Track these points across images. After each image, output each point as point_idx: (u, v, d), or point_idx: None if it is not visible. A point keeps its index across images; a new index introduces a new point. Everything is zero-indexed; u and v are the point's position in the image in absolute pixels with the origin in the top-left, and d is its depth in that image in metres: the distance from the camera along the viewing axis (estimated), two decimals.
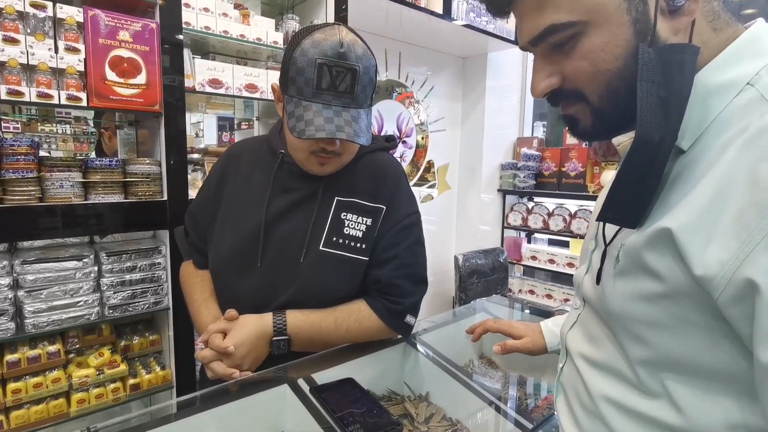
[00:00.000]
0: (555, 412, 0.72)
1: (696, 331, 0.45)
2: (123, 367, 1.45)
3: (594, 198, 2.79)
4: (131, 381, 1.47)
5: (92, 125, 2.42)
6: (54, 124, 2.65)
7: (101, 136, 2.33)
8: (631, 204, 0.48)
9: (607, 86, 0.48)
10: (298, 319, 0.92)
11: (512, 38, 2.79)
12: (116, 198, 1.40)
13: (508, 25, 2.81)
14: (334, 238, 0.94)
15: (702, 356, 0.45)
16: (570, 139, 3.04)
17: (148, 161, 1.47)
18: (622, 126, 0.53)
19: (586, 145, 2.93)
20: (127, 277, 1.45)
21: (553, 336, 0.96)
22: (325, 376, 0.89)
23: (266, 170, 0.99)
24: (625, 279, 0.51)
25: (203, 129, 3.04)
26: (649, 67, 0.44)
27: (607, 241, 0.55)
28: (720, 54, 0.47)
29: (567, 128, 0.57)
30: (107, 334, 1.51)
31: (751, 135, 0.41)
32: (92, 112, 2.02)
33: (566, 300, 2.90)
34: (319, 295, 0.94)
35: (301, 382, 0.86)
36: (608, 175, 2.71)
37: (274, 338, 0.91)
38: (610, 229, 0.56)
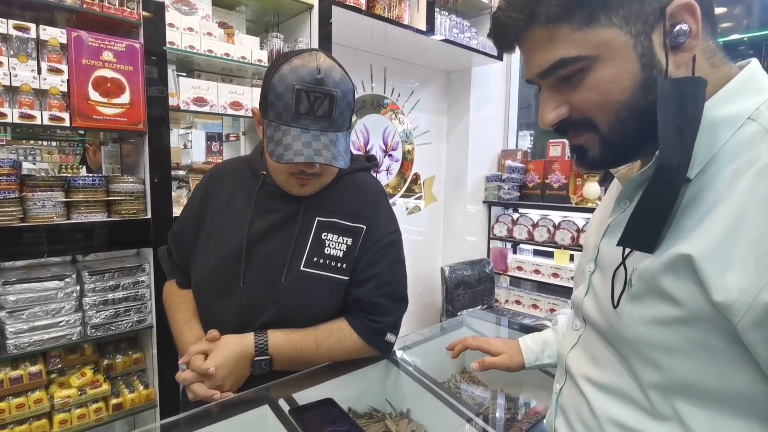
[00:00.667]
0: (550, 429, 0.73)
1: (712, 355, 0.46)
2: (105, 386, 1.44)
3: (577, 209, 2.84)
4: (114, 401, 1.46)
5: (77, 142, 2.42)
6: (40, 142, 2.65)
7: (86, 151, 2.33)
8: (649, 229, 0.49)
9: (616, 116, 0.51)
10: (279, 339, 0.93)
11: (495, 53, 2.85)
12: (99, 217, 1.41)
13: (490, 41, 2.87)
14: (315, 258, 0.96)
15: (717, 380, 0.47)
16: (553, 152, 3.10)
17: (131, 179, 1.47)
18: (629, 155, 0.56)
19: (568, 157, 2.99)
20: (110, 295, 1.45)
21: (530, 353, 0.98)
22: (306, 396, 0.90)
23: (248, 191, 1.00)
24: (639, 304, 0.52)
25: (191, 140, 3.04)
26: (666, 98, 0.47)
27: (615, 266, 0.56)
28: (722, 89, 0.50)
29: (575, 159, 0.59)
30: (90, 353, 1.51)
31: (763, 166, 0.44)
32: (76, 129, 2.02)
33: (552, 310, 2.93)
34: (301, 315, 0.96)
35: (282, 402, 0.87)
36: (591, 188, 2.76)
37: (256, 358, 0.91)
38: (617, 252, 0.56)
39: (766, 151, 0.44)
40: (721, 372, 0.46)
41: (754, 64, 0.51)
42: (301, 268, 0.95)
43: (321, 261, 0.96)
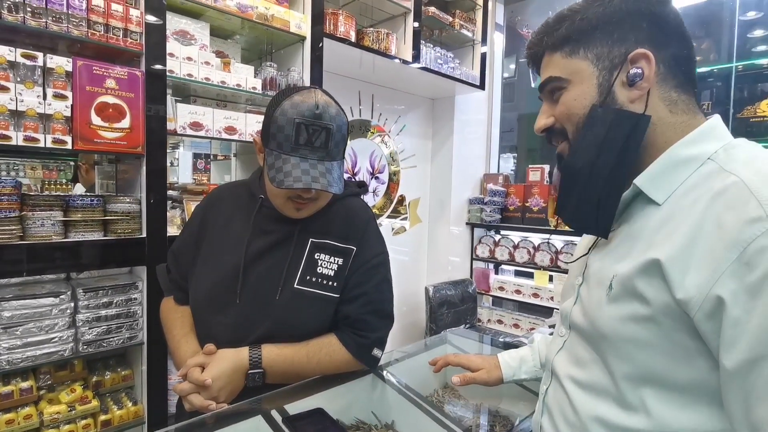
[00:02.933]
0: (536, 428, 0.81)
1: (675, 348, 0.56)
2: (95, 403, 1.46)
3: (556, 232, 2.97)
4: (102, 417, 1.48)
5: (61, 159, 2.44)
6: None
7: (78, 170, 2.37)
8: (566, 218, 0.70)
9: (577, 126, 0.67)
10: (272, 353, 0.99)
11: (477, 83, 3.00)
12: (96, 235, 1.45)
13: (473, 71, 3.03)
14: (308, 277, 1.02)
15: (678, 371, 0.56)
16: (533, 176, 3.24)
17: (128, 200, 1.53)
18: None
19: (547, 182, 3.12)
20: (103, 312, 1.48)
21: (508, 368, 1.04)
22: (296, 407, 0.95)
23: (246, 214, 1.07)
24: (616, 304, 0.62)
25: (178, 158, 3.09)
26: (595, 120, 0.64)
27: (600, 275, 0.67)
28: (688, 135, 0.62)
29: (557, 165, 0.73)
30: (79, 369, 1.53)
31: (715, 192, 0.55)
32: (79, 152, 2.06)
33: (532, 329, 3.02)
34: (293, 330, 1.01)
35: (274, 413, 0.92)
36: None
37: (250, 371, 0.96)
38: (602, 264, 0.68)
39: (719, 181, 0.56)
40: (682, 363, 0.56)
41: (716, 118, 0.64)
42: (295, 285, 1.01)
43: (314, 279, 1.03)
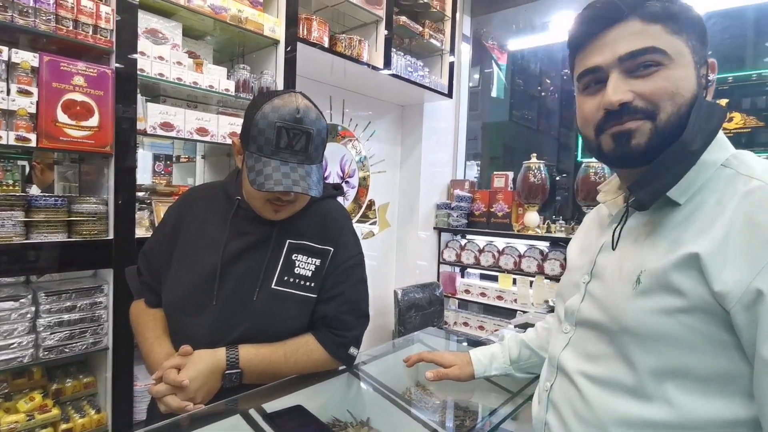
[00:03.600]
0: (540, 425, 0.80)
1: (705, 340, 0.58)
2: (55, 411, 1.41)
3: (519, 236, 3.08)
4: (63, 426, 1.43)
5: (8, 158, 2.32)
6: None
7: (33, 169, 2.26)
8: (653, 189, 0.63)
9: (678, 108, 0.63)
10: (250, 353, 0.99)
11: (444, 91, 3.10)
12: (60, 237, 1.40)
13: (441, 80, 3.12)
14: (286, 277, 1.04)
15: (704, 362, 0.58)
16: (498, 183, 3.35)
17: (94, 200, 1.49)
18: (661, 150, 0.65)
19: (511, 188, 3.25)
20: (66, 317, 1.43)
21: (480, 364, 1.08)
22: (275, 406, 0.96)
23: (223, 215, 1.08)
24: (647, 297, 0.62)
25: (137, 159, 2.99)
26: (703, 108, 0.63)
27: (619, 270, 0.68)
28: (712, 143, 0.65)
29: (612, 147, 0.68)
30: (38, 377, 1.47)
31: (742, 194, 0.59)
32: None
33: (496, 330, 3.11)
34: (271, 330, 1.02)
35: (253, 412, 0.93)
36: (531, 216, 3.01)
37: (227, 371, 0.96)
38: (618, 260, 0.69)
39: (741, 184, 0.60)
40: (709, 354, 0.58)
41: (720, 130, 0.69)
42: (273, 286, 1.03)
43: (291, 280, 1.04)
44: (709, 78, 0.66)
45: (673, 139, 0.63)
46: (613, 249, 0.72)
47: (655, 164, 0.64)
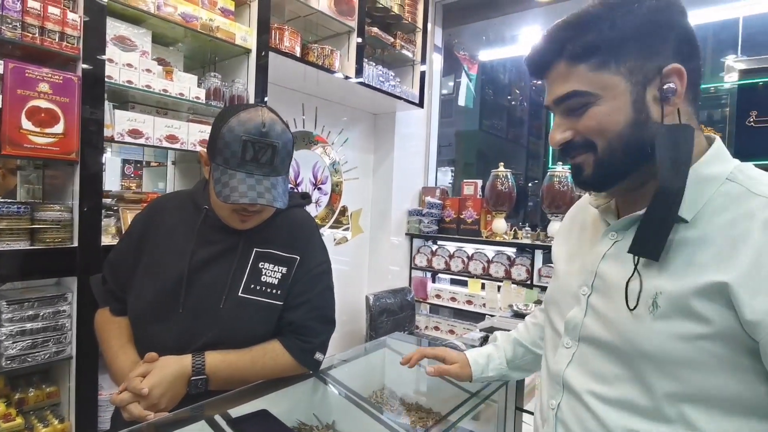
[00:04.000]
0: None
1: (727, 367, 0.57)
2: (19, 420, 1.38)
3: (487, 242, 3.17)
4: None
5: None
6: None
7: None
8: (655, 241, 0.60)
9: (609, 142, 0.64)
10: (216, 360, 1.00)
11: (416, 101, 3.17)
12: (22, 245, 1.39)
13: (413, 90, 3.19)
14: (253, 285, 1.06)
15: (725, 387, 0.57)
16: (467, 190, 3.44)
17: (58, 207, 1.47)
18: (614, 178, 0.67)
19: (480, 195, 3.34)
20: (28, 326, 1.41)
21: (477, 366, 1.07)
22: (240, 411, 0.97)
23: (190, 224, 1.09)
24: (666, 322, 0.59)
25: (104, 162, 2.94)
26: (664, 137, 0.60)
27: (623, 285, 0.65)
28: (706, 155, 0.64)
29: (573, 176, 0.72)
30: (1, 386, 1.43)
31: (764, 220, 0.56)
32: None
33: (464, 334, 3.18)
34: (238, 337, 1.04)
35: (218, 418, 0.95)
36: (498, 223, 3.11)
37: (193, 378, 0.97)
38: (623, 275, 0.66)
39: (758, 208, 0.58)
40: (731, 380, 0.57)
41: (719, 140, 0.67)
42: (239, 294, 1.05)
43: (258, 288, 1.07)
44: (670, 86, 0.61)
45: (616, 164, 0.65)
46: (601, 262, 0.72)
47: (643, 225, 0.62)
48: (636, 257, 0.64)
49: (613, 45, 0.62)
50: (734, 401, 0.57)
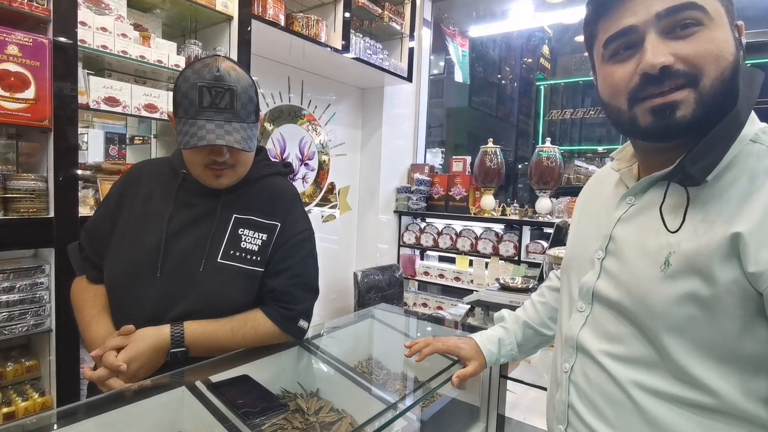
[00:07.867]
0: (563, 408, 0.76)
1: (733, 323, 0.56)
2: None
3: (475, 219, 3.17)
4: (5, 410, 1.38)
5: None
6: None
7: None
8: (707, 162, 0.57)
9: (722, 72, 0.57)
10: (195, 331, 0.98)
11: (404, 75, 3.11)
12: None
13: (401, 64, 3.13)
14: (232, 251, 1.04)
15: (733, 343, 0.56)
16: (456, 167, 3.42)
17: (33, 177, 1.42)
18: (710, 124, 0.58)
19: (468, 172, 3.32)
20: (4, 298, 1.37)
21: (490, 354, 1.02)
22: (222, 378, 0.96)
23: (168, 188, 1.06)
24: (674, 281, 0.59)
25: (87, 141, 2.86)
26: (747, 76, 0.59)
27: (640, 247, 0.64)
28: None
29: (655, 119, 0.60)
30: None
31: None
32: None
33: (450, 309, 3.21)
34: (217, 305, 1.02)
35: (199, 384, 0.93)
36: (487, 200, 3.10)
37: (172, 350, 0.95)
38: (640, 236, 0.65)
39: None
40: (737, 336, 0.56)
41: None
42: (218, 260, 1.02)
43: (237, 254, 1.04)
44: (741, 41, 0.60)
45: (716, 108, 0.58)
46: (615, 225, 0.70)
47: (711, 136, 0.57)
48: (661, 213, 0.62)
49: None
50: (748, 359, 0.57)
